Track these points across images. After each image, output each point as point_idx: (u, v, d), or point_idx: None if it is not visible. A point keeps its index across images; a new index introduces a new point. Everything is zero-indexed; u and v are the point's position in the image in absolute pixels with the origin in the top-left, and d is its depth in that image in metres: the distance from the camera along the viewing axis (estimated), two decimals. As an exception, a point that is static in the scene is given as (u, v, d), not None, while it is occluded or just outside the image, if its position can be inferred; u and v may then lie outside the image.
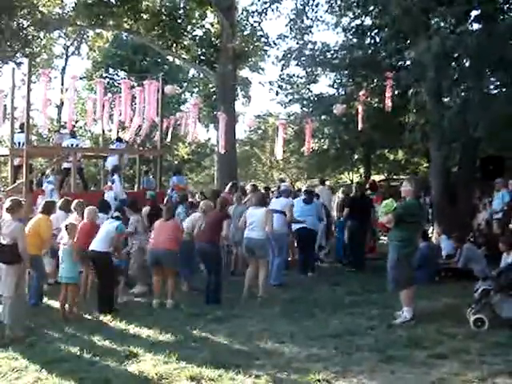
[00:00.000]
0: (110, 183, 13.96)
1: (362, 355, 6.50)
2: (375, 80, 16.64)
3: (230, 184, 13.81)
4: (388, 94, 13.28)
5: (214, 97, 25.20)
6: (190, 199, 13.98)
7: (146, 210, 11.77)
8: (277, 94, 22.62)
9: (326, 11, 18.84)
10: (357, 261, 12.54)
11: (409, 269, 8.13)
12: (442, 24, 14.35)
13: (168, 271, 9.56)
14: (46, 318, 8.49)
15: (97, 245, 9.04)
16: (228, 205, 10.65)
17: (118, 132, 16.41)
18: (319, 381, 5.68)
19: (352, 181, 28.70)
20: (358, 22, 17.66)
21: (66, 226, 8.89)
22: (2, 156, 15.17)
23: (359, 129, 13.86)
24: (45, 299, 9.59)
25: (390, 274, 8.08)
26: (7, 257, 7.54)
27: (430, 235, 12.15)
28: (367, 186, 15.56)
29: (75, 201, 10.36)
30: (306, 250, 12.19)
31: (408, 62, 15.21)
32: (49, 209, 9.68)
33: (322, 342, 7.04)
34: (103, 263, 9.04)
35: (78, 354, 6.75)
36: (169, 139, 18.54)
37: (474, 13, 14.66)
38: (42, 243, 9.23)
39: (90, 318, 8.72)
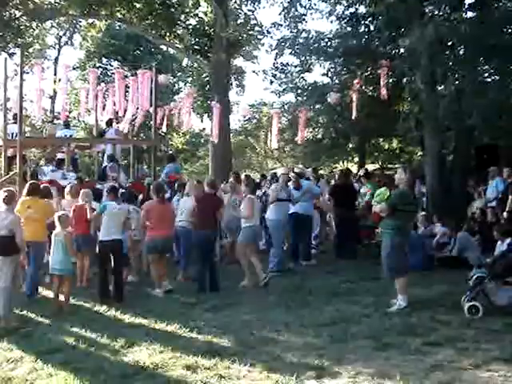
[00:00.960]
0: (114, 174, 13.92)
1: (357, 343, 6.52)
2: (369, 68, 16.63)
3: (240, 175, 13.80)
4: (383, 82, 13.26)
5: (208, 86, 25.12)
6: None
7: (140, 197, 11.80)
8: (271, 82, 22.61)
9: (320, -1, 18.80)
10: (348, 249, 12.57)
11: (403, 257, 8.17)
12: (437, 12, 14.34)
13: (164, 256, 9.60)
14: (41, 309, 8.46)
15: (115, 233, 9.03)
16: (216, 186, 10.62)
17: (109, 119, 16.25)
18: (315, 368, 5.69)
19: (347, 168, 28.64)
20: (352, 10, 17.64)
21: (59, 216, 8.84)
22: (-4, 147, 15.07)
23: (353, 117, 13.86)
24: (40, 289, 9.56)
25: (385, 263, 8.11)
26: (5, 248, 7.53)
27: (418, 224, 12.10)
28: (361, 174, 15.48)
29: (82, 191, 10.33)
30: (302, 237, 12.15)
31: (402, 50, 15.19)
32: (46, 192, 9.69)
33: (317, 330, 7.06)
34: (120, 251, 9.12)
35: (74, 344, 6.75)
36: (164, 129, 18.48)
37: (468, 0, 14.65)
38: (45, 227, 9.22)
39: (85, 307, 8.72)
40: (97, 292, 9.06)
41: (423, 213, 12.76)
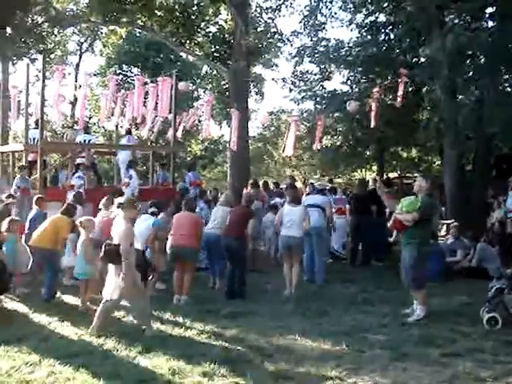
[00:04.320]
0: (126, 179, 13.94)
1: (374, 353, 6.49)
2: (389, 77, 16.58)
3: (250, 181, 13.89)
4: (400, 90, 13.21)
5: (227, 93, 25.19)
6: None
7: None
8: (290, 90, 22.63)
9: (340, 8, 18.85)
10: (363, 257, 12.65)
11: (425, 267, 8.14)
12: (457, 21, 14.29)
13: (187, 266, 9.53)
14: (59, 313, 8.52)
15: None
16: (253, 201, 10.65)
17: (130, 126, 16.37)
18: (332, 378, 5.68)
19: (364, 178, 28.58)
20: (372, 18, 17.64)
21: (81, 221, 8.90)
22: (17, 152, 15.24)
23: (372, 126, 13.84)
24: (58, 294, 9.63)
25: (410, 273, 8.00)
26: (114, 257, 7.45)
27: (442, 233, 12.10)
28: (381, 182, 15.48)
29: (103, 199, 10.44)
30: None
31: (422, 59, 15.15)
32: (70, 212, 9.71)
33: (335, 339, 7.03)
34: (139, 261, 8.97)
35: (91, 348, 6.79)
36: (181, 136, 18.55)
37: (489, 10, 14.59)
38: (59, 241, 9.30)
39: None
40: None
41: (455, 224, 12.65)
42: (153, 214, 9.69)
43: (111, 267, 7.46)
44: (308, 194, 12.28)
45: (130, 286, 7.26)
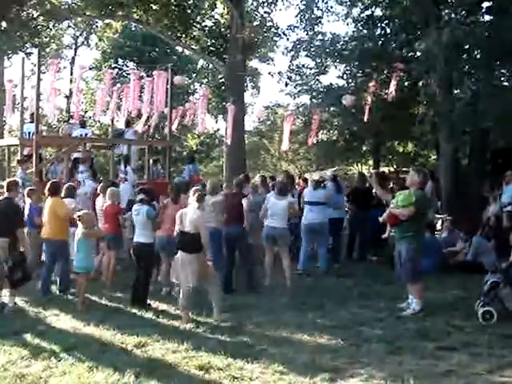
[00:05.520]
0: (122, 175, 13.94)
1: (370, 346, 6.51)
2: (385, 71, 16.59)
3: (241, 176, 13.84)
4: (394, 84, 13.17)
5: (223, 87, 25.16)
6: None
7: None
8: (286, 84, 22.58)
9: (336, 2, 18.83)
10: (360, 251, 12.67)
11: (420, 261, 8.17)
12: (453, 15, 14.29)
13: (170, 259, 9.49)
14: (57, 307, 8.53)
15: (139, 237, 8.90)
16: (245, 183, 10.61)
17: (128, 120, 16.26)
18: (328, 371, 5.69)
19: (364, 173, 28.55)
20: (368, 12, 17.64)
21: (79, 216, 8.88)
22: (12, 146, 15.20)
23: (365, 120, 13.83)
24: (54, 288, 9.63)
25: (407, 267, 8.01)
26: (188, 245, 7.65)
27: (438, 227, 12.14)
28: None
29: (109, 190, 10.47)
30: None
31: (418, 54, 15.15)
32: (56, 190, 9.70)
33: (331, 332, 7.05)
34: (145, 255, 8.87)
35: (87, 342, 6.80)
36: (177, 130, 18.50)
37: (485, 4, 14.59)
38: (65, 225, 9.31)
39: (101, 305, 8.80)
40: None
41: (448, 218, 12.69)
42: (142, 201, 9.20)
43: (183, 255, 7.68)
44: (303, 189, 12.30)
45: (210, 271, 7.73)
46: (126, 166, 14.19)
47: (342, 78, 20.96)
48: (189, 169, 16.10)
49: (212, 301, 7.89)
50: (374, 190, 11.82)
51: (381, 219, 8.58)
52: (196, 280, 7.66)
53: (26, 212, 10.28)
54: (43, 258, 9.87)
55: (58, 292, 9.46)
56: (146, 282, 8.82)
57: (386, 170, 26.97)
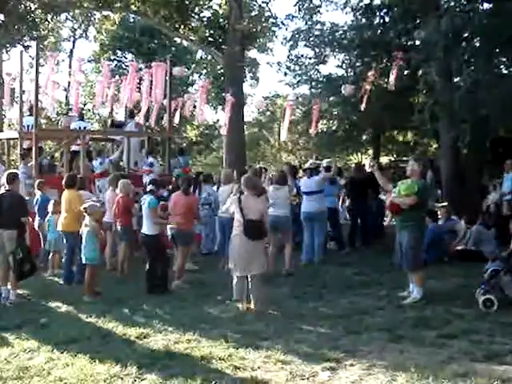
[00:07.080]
0: (146, 167, 14.05)
1: (371, 335, 6.53)
2: (385, 60, 16.51)
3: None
4: (394, 73, 13.11)
5: (222, 78, 25.10)
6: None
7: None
8: (285, 74, 22.48)
9: (335, -10, 18.69)
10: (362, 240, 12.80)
11: (421, 248, 8.23)
12: (452, 3, 14.22)
13: (180, 250, 9.55)
14: (59, 299, 8.55)
15: (144, 228, 9.12)
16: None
17: (131, 111, 16.12)
18: (329, 360, 5.71)
19: (360, 162, 28.54)
20: (367, 1, 17.52)
21: (85, 208, 8.89)
22: (12, 139, 15.17)
23: (365, 109, 13.78)
24: (57, 279, 9.68)
25: (409, 255, 8.03)
26: (256, 233, 7.74)
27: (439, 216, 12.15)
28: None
29: (120, 182, 10.46)
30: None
31: (417, 42, 15.09)
32: (73, 182, 9.94)
33: (331, 322, 7.08)
34: (152, 246, 9.07)
35: (90, 334, 6.82)
36: (177, 121, 18.46)
37: (484, -8, 14.51)
38: (81, 217, 9.30)
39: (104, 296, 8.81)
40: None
41: (444, 205, 12.74)
42: (151, 191, 9.49)
43: (250, 243, 7.69)
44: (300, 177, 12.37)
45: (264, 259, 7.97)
46: (148, 157, 14.28)
47: (342, 67, 20.91)
48: (179, 161, 16.06)
49: (254, 292, 7.78)
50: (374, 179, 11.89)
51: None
52: (257, 268, 7.69)
53: (36, 204, 10.46)
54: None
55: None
56: (163, 270, 9.00)
57: (385, 159, 26.95)
